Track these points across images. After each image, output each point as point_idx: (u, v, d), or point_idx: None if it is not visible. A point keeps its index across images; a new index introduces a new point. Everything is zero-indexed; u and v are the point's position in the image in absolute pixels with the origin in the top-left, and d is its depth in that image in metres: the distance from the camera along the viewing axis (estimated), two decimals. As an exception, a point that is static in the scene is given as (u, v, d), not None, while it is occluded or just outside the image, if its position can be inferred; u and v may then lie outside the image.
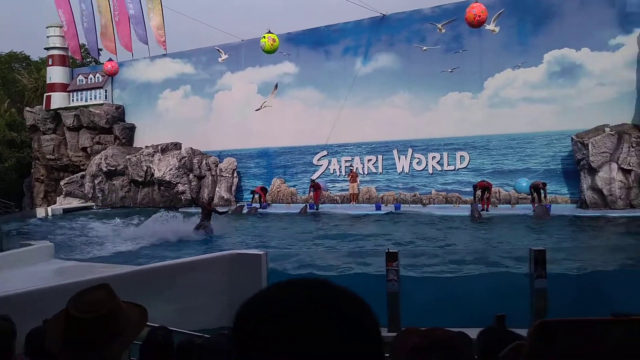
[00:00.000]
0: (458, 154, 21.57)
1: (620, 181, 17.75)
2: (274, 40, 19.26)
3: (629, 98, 18.81)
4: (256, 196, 23.48)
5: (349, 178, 22.72)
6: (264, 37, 19.31)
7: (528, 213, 18.02)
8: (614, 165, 17.81)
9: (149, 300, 7.37)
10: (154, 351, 3.29)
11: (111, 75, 27.89)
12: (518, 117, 20.52)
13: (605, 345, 0.80)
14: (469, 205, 19.46)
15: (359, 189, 22.50)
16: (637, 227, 14.92)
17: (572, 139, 18.77)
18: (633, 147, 17.69)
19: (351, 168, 23.10)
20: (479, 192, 19.40)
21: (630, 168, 17.68)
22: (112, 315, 1.65)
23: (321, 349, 0.68)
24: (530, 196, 18.94)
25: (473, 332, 2.99)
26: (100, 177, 26.90)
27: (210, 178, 25.33)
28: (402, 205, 20.94)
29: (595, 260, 10.21)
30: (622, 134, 17.94)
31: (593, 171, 17.95)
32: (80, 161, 29.06)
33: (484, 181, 19.62)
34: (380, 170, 23.01)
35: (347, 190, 22.76)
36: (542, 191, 18.49)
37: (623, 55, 18.97)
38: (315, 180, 23.06)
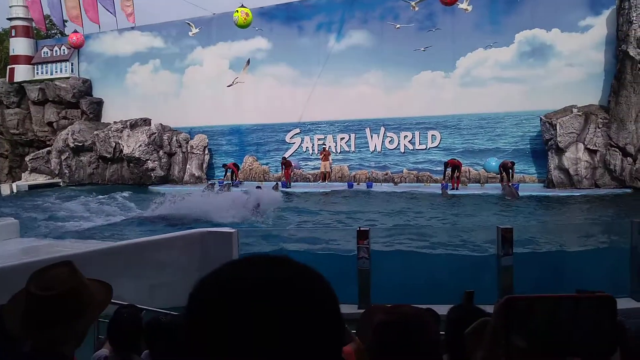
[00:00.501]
0: (429, 133, 21.74)
1: (586, 161, 18.18)
2: (247, 14, 18.90)
3: (596, 79, 19.17)
4: (228, 173, 23.30)
5: (320, 156, 22.68)
6: (237, 11, 18.92)
7: (497, 192, 18.34)
8: (581, 146, 18.21)
9: (118, 277, 7.29)
10: (121, 329, 3.27)
11: (77, 48, 27.07)
12: (489, 97, 20.74)
13: (566, 319, 0.82)
14: (440, 184, 19.69)
15: (331, 167, 22.50)
16: (601, 207, 15.34)
17: (540, 119, 19.08)
18: (599, 127, 18.09)
19: (324, 146, 23.05)
20: (449, 171, 19.61)
21: (595, 148, 18.11)
22: (74, 292, 1.62)
23: (277, 327, 0.66)
24: (499, 175, 19.26)
25: (444, 309, 3.04)
26: (67, 153, 26.26)
27: (180, 155, 24.99)
28: (373, 183, 21.07)
29: (560, 239, 10.48)
30: (589, 115, 18.32)
31: (560, 151, 18.32)
32: (46, 136, 28.28)
33: (454, 159, 19.85)
34: (352, 148, 23.04)
35: (320, 168, 22.74)
36: (510, 170, 18.81)
37: (592, 37, 19.27)
38: (287, 158, 22.96)
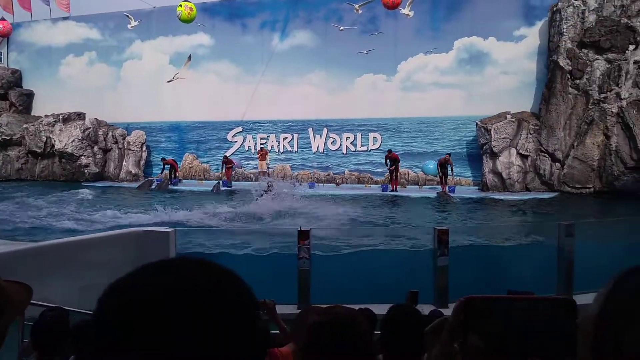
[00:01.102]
0: (371, 135, 22.05)
1: (518, 165, 18.98)
2: (191, 9, 18.51)
3: (529, 87, 20.06)
4: (166, 170, 22.72)
5: (258, 156, 22.50)
6: (181, 5, 18.49)
7: (434, 194, 18.82)
8: (513, 151, 18.99)
9: (46, 278, 6.95)
10: (45, 332, 3.12)
11: (3, 37, 25.70)
12: (428, 101, 21.29)
13: (524, 320, 0.84)
14: (380, 186, 20.01)
15: (268, 167, 22.35)
16: (531, 209, 16.05)
17: (476, 124, 19.76)
18: (530, 134, 18.93)
19: (261, 146, 22.90)
20: (389, 164, 19.72)
21: (527, 154, 18.93)
22: None
23: (185, 334, 0.63)
24: (437, 177, 19.70)
25: (384, 308, 3.06)
26: (-7, 147, 24.85)
27: (117, 151, 24.16)
28: (315, 184, 21.14)
29: (492, 239, 10.88)
30: (521, 121, 19.13)
31: (494, 155, 19.04)
32: (-30, 129, 26.62)
33: (393, 152, 20.00)
34: (295, 148, 23.03)
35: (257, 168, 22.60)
36: (448, 165, 19.01)
37: (525, 47, 20.15)
38: (229, 157, 22.66)
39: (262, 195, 16.38)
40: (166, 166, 22.74)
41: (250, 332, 0.69)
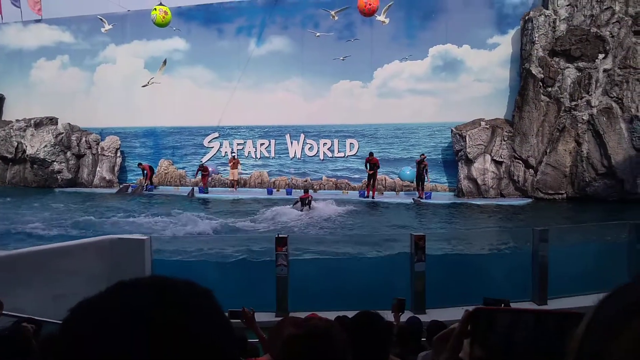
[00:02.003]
0: (348, 141, 22.13)
1: (493, 172, 19.26)
2: (165, 12, 18.31)
3: (502, 94, 20.39)
4: (140, 177, 22.44)
5: (230, 164, 22.32)
6: (155, 9, 18.28)
7: (410, 200, 18.97)
8: (488, 157, 19.26)
9: (15, 288, 6.77)
10: (8, 345, 3.04)
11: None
12: (404, 108, 21.47)
13: (530, 334, 0.83)
14: (358, 192, 20.08)
15: (239, 175, 22.23)
16: (505, 214, 16.29)
17: (451, 130, 20.00)
18: (504, 140, 19.24)
19: (233, 154, 22.76)
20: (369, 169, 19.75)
21: (501, 160, 19.22)
22: None
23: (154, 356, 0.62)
24: (414, 183, 19.82)
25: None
26: (-39, 152, 24.21)
27: (90, 157, 23.76)
28: (293, 190, 21.10)
29: (467, 245, 11.00)
30: (495, 128, 19.43)
31: (469, 162, 19.28)
32: (-63, 133, 25.88)
33: (374, 156, 19.98)
34: (272, 154, 22.97)
35: (241, 174, 22.46)
36: (422, 165, 19.13)
37: (498, 54, 20.49)
38: (204, 164, 22.45)
39: (301, 210, 16.68)
40: (144, 171, 22.45)
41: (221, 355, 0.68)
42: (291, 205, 17.17)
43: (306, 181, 21.72)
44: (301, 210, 16.69)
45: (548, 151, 18.48)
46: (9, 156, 23.66)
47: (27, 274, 7.48)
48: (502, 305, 4.47)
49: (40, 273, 7.66)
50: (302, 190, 18.67)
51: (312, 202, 17.09)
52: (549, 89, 18.53)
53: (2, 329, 3.15)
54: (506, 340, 0.83)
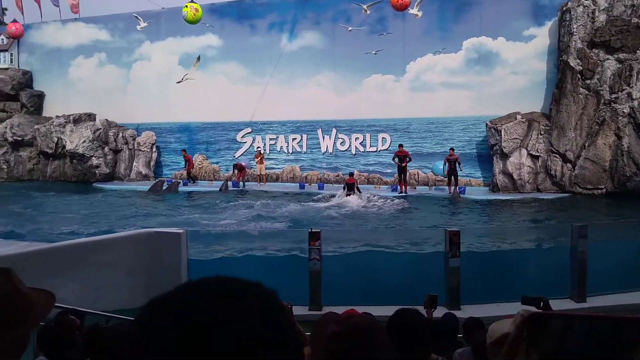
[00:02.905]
0: (380, 135, 22.01)
1: (529, 166, 18.87)
2: (196, 10, 18.52)
3: (539, 87, 19.94)
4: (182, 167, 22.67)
5: (256, 160, 22.45)
6: (187, 6, 18.52)
7: (444, 195, 18.77)
8: (524, 151, 18.88)
9: (59, 279, 7.01)
10: (50, 337, 3.14)
11: (15, 38, 25.85)
12: (437, 102, 21.21)
13: (588, 340, 0.80)
14: (389, 187, 19.97)
15: (266, 169, 22.37)
16: (541, 210, 15.96)
17: (486, 124, 19.67)
18: (541, 134, 18.82)
19: (258, 149, 22.88)
20: (397, 160, 19.61)
21: (538, 154, 18.82)
22: (7, 300, 1.55)
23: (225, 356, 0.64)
24: (446, 178, 19.55)
25: (389, 310, 3.06)
26: (6, 148, 25.07)
27: (127, 152, 24.28)
28: (325, 184, 21.12)
29: (503, 241, 10.83)
30: (531, 122, 19.02)
31: (505, 156, 18.94)
32: (-18, 130, 26.85)
33: (403, 147, 19.75)
34: (304, 149, 23.04)
35: (273, 168, 22.61)
36: (453, 159, 18.83)
37: (535, 46, 20.03)
38: (239, 162, 22.57)
39: (348, 195, 18.01)
40: (186, 162, 22.66)
41: (292, 347, 0.70)
42: (340, 194, 18.24)
43: (338, 176, 21.69)
44: (348, 195, 17.91)
45: (587, 145, 18.00)
46: (50, 151, 24.36)
47: (68, 265, 7.72)
48: (541, 303, 4.39)
49: (81, 265, 7.89)
50: (348, 174, 19.55)
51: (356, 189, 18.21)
52: (588, 82, 18.03)
53: (47, 320, 3.26)
54: (562, 346, 0.80)
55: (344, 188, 18.54)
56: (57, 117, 24.67)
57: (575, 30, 18.26)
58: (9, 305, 1.56)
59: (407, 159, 19.44)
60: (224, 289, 0.71)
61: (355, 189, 18.13)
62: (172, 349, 0.64)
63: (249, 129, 23.75)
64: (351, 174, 19.31)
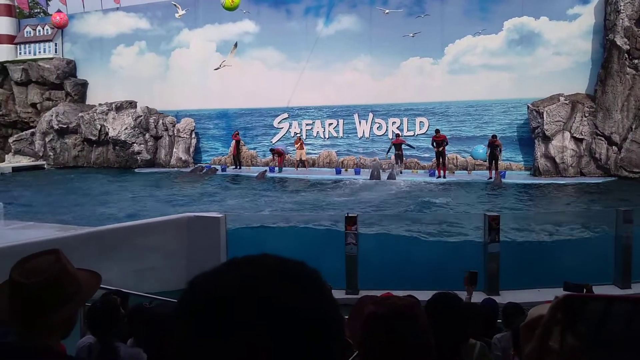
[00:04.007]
0: (417, 119, 21.73)
1: (572, 149, 18.33)
2: (234, -3, 18.58)
3: (583, 68, 19.26)
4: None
5: (296, 145, 22.52)
6: (224, -7, 18.59)
7: (484, 179, 18.43)
8: (567, 134, 18.34)
9: (103, 262, 7.23)
10: (97, 316, 3.26)
11: (60, 28, 26.54)
12: (477, 84, 20.76)
13: (628, 323, 0.77)
14: (427, 171, 19.76)
15: (308, 154, 22.41)
16: (586, 195, 15.51)
17: (528, 107, 19.16)
18: (585, 116, 18.23)
19: (298, 134, 22.92)
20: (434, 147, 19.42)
21: (582, 137, 18.25)
22: (57, 281, 1.62)
23: (269, 337, 0.64)
24: (486, 161, 19.16)
25: (425, 295, 3.05)
26: (52, 135, 25.92)
27: (167, 138, 24.76)
28: (361, 169, 21.02)
29: (545, 227, 10.59)
30: (575, 104, 18.43)
31: (547, 139, 18.44)
32: (30, 118, 27.82)
33: (440, 132, 19.38)
34: (341, 134, 22.98)
35: (310, 154, 22.66)
36: (496, 145, 18.36)
37: (579, 26, 19.32)
38: (276, 147, 22.67)
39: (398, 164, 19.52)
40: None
41: (337, 327, 0.70)
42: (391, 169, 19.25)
43: (374, 160, 21.55)
44: (397, 157, 19.80)
45: (634, 127, 17.34)
46: (93, 138, 25.07)
47: (112, 248, 7.97)
48: (584, 290, 4.29)
49: (124, 248, 8.14)
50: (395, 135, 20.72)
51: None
52: (636, 61, 17.32)
53: (93, 301, 3.38)
54: (599, 329, 0.77)
55: (389, 150, 20.16)
56: (100, 104, 25.31)
57: (622, 7, 17.51)
58: (59, 284, 1.64)
59: (445, 143, 19.16)
60: (269, 268, 0.71)
61: (401, 153, 19.77)
62: (212, 331, 0.64)
63: (286, 115, 23.83)
64: (398, 135, 20.39)
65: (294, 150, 23.07)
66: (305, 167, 22.03)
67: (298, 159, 22.22)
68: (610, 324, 0.77)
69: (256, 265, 0.71)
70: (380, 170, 19.19)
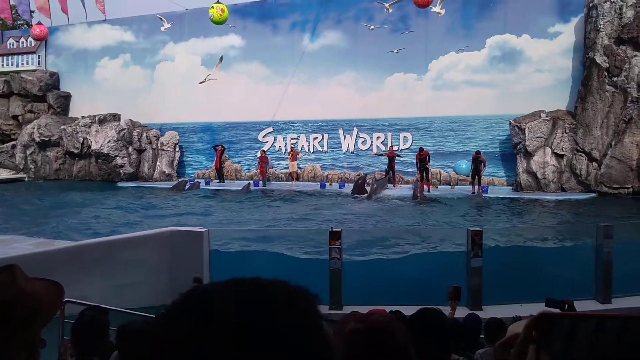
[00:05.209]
0: (402, 134, 21.89)
1: (553, 165, 18.58)
2: (222, 10, 18.67)
3: (564, 85, 19.61)
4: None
5: (288, 157, 22.57)
6: (213, 7, 18.68)
7: (467, 194, 18.57)
8: (548, 150, 18.59)
9: (84, 277, 7.13)
10: (85, 331, 3.20)
11: (40, 40, 26.36)
12: (460, 100, 21.01)
13: (604, 340, 0.77)
14: (412, 185, 19.86)
15: (298, 167, 22.46)
16: (566, 210, 15.69)
17: (510, 123, 19.41)
18: (566, 132, 18.51)
19: (292, 146, 22.97)
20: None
21: (562, 153, 18.51)
22: (11, 303, 1.53)
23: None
24: (470, 177, 19.37)
25: (410, 310, 3.05)
26: (33, 148, 25.62)
27: (150, 152, 24.60)
28: (345, 184, 21.07)
29: (526, 241, 10.67)
30: (556, 120, 18.72)
31: (528, 155, 18.68)
32: (11, 130, 27.50)
33: (424, 150, 19.59)
34: (325, 148, 23.05)
35: (288, 168, 22.69)
36: (479, 161, 18.62)
37: (560, 44, 19.70)
38: (265, 154, 22.58)
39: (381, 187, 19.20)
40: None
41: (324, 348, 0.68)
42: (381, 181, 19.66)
43: (359, 175, 21.61)
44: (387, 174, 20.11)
45: (613, 144, 17.64)
46: (76, 151, 24.81)
47: (92, 263, 7.86)
48: (566, 305, 4.33)
49: (104, 263, 8.02)
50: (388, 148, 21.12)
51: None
52: (615, 79, 17.67)
53: (83, 313, 3.31)
54: (571, 347, 0.77)
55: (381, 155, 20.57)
56: (83, 117, 25.11)
57: (602, 26, 17.90)
58: (16, 306, 1.53)
59: (428, 159, 19.35)
60: (249, 291, 0.68)
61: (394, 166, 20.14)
62: (189, 354, 0.62)
63: (271, 129, 23.84)
64: (392, 147, 20.80)
65: (278, 164, 23.06)
66: (293, 180, 22.03)
67: (290, 171, 22.23)
68: (580, 341, 0.77)
69: (227, 289, 0.69)
70: (368, 186, 19.30)
